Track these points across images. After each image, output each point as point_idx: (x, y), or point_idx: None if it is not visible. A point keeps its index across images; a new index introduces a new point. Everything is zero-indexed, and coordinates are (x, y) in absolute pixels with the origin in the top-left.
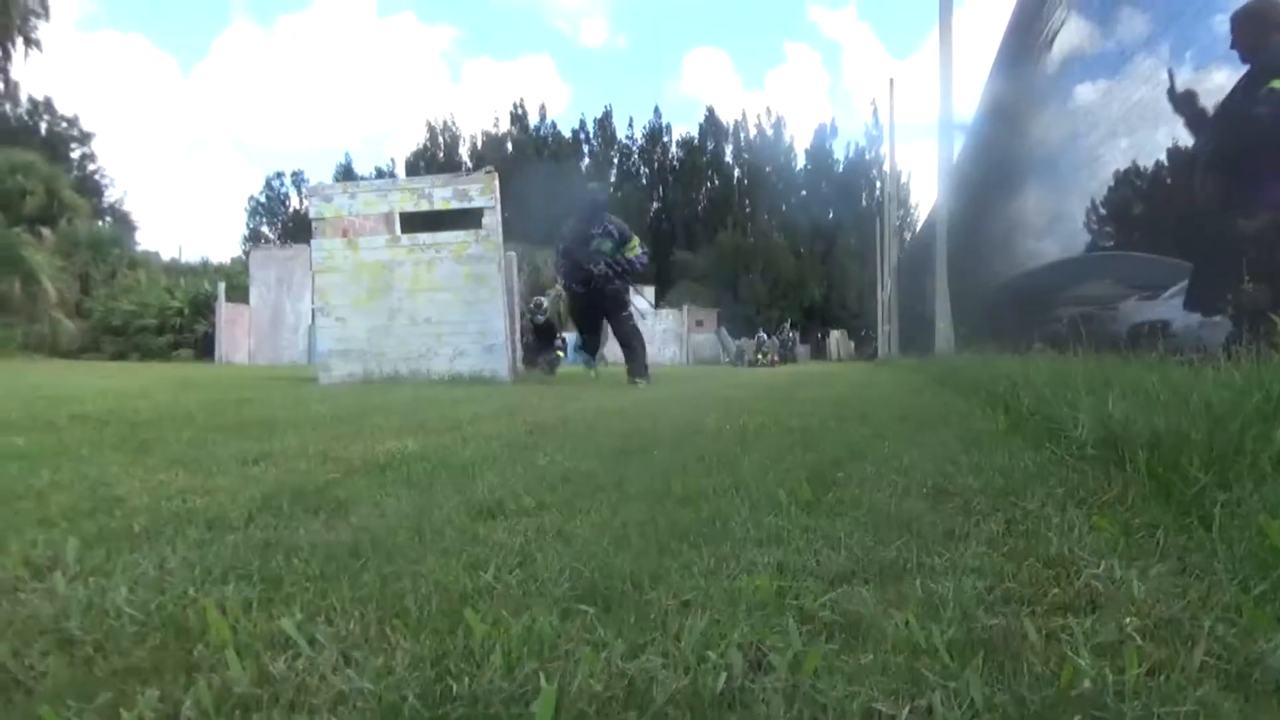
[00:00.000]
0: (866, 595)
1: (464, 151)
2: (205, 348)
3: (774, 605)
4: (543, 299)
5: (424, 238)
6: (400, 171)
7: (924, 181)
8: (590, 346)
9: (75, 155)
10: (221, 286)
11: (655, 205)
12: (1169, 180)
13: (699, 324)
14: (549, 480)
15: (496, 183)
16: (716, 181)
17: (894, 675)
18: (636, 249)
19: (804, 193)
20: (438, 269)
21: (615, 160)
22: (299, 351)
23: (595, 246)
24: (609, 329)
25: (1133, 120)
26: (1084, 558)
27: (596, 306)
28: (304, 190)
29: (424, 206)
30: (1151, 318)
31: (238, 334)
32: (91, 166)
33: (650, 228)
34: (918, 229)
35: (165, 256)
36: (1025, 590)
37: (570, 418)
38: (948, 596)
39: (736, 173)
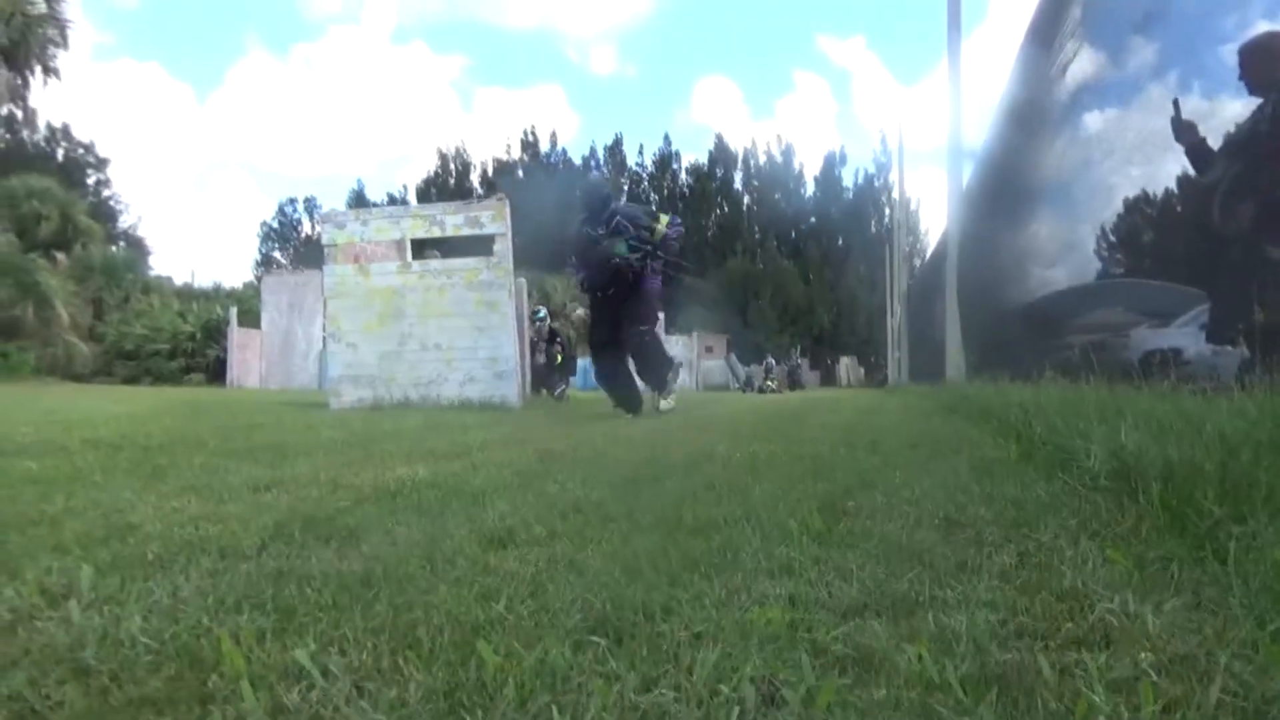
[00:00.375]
0: (879, 629)
1: (475, 178)
2: (217, 372)
3: (786, 638)
4: (540, 308)
5: (435, 264)
6: (411, 198)
7: (934, 208)
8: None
9: (91, 181)
10: (233, 311)
11: None
12: (1179, 208)
13: (708, 350)
14: (560, 509)
15: (508, 209)
16: (726, 208)
17: (907, 711)
18: (663, 226)
19: (813, 219)
20: (448, 295)
21: (625, 186)
22: (310, 376)
23: (607, 250)
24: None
25: (1144, 148)
26: (1098, 591)
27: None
28: (316, 216)
29: (435, 233)
30: (1163, 345)
31: (249, 359)
32: (106, 192)
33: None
34: (927, 255)
35: (178, 281)
36: (1039, 624)
37: (580, 445)
38: (961, 630)
39: (746, 200)
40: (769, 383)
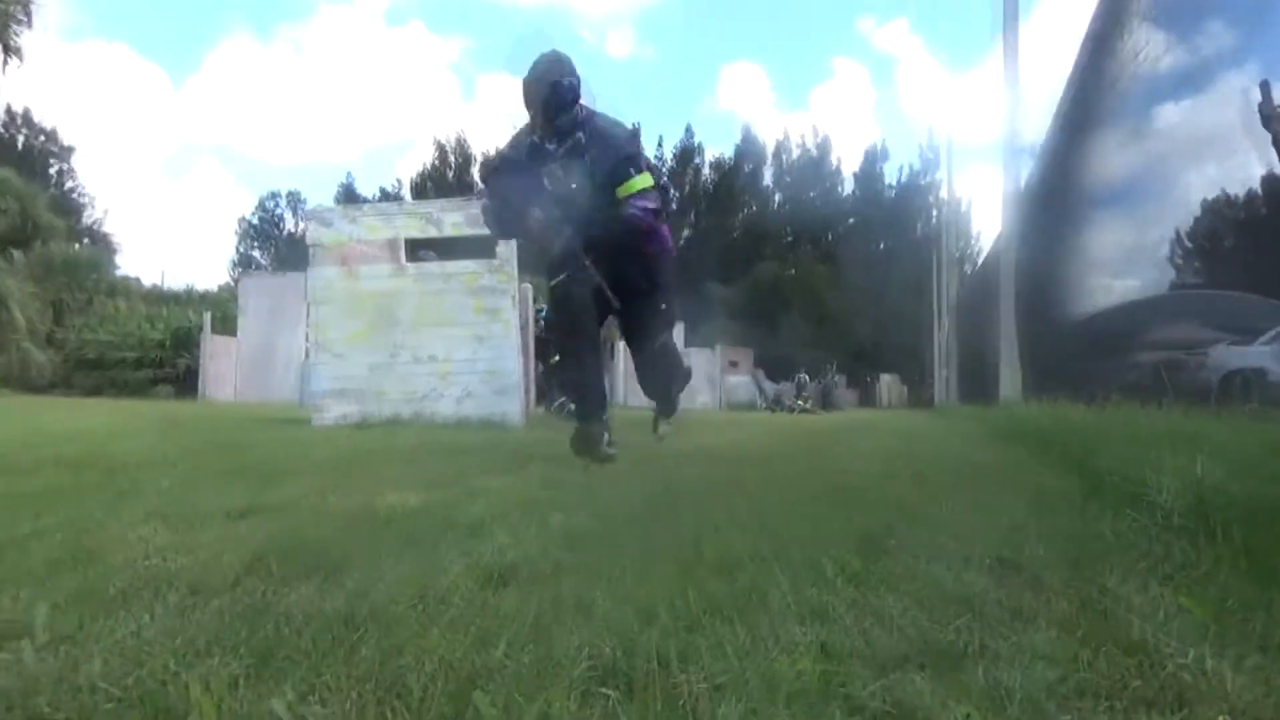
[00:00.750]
0: (922, 683)
1: (476, 172)
2: (188, 384)
3: (818, 692)
4: (544, 307)
5: (431, 267)
6: (406, 194)
7: (986, 209)
8: (585, 383)
9: (53, 171)
10: (207, 317)
11: (686, 233)
12: (1264, 209)
13: (733, 365)
14: (567, 542)
15: None
16: (754, 207)
17: None
18: (639, 184)
19: (851, 221)
20: (446, 301)
21: None
22: (290, 390)
23: (573, 186)
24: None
25: (1223, 142)
26: (1169, 644)
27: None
28: (300, 213)
29: (432, 233)
30: (1246, 366)
31: (224, 369)
32: (70, 184)
33: (681, 257)
34: (979, 261)
35: (147, 282)
36: (1102, 681)
37: (589, 470)
38: (1014, 687)
39: (776, 198)
40: (800, 402)
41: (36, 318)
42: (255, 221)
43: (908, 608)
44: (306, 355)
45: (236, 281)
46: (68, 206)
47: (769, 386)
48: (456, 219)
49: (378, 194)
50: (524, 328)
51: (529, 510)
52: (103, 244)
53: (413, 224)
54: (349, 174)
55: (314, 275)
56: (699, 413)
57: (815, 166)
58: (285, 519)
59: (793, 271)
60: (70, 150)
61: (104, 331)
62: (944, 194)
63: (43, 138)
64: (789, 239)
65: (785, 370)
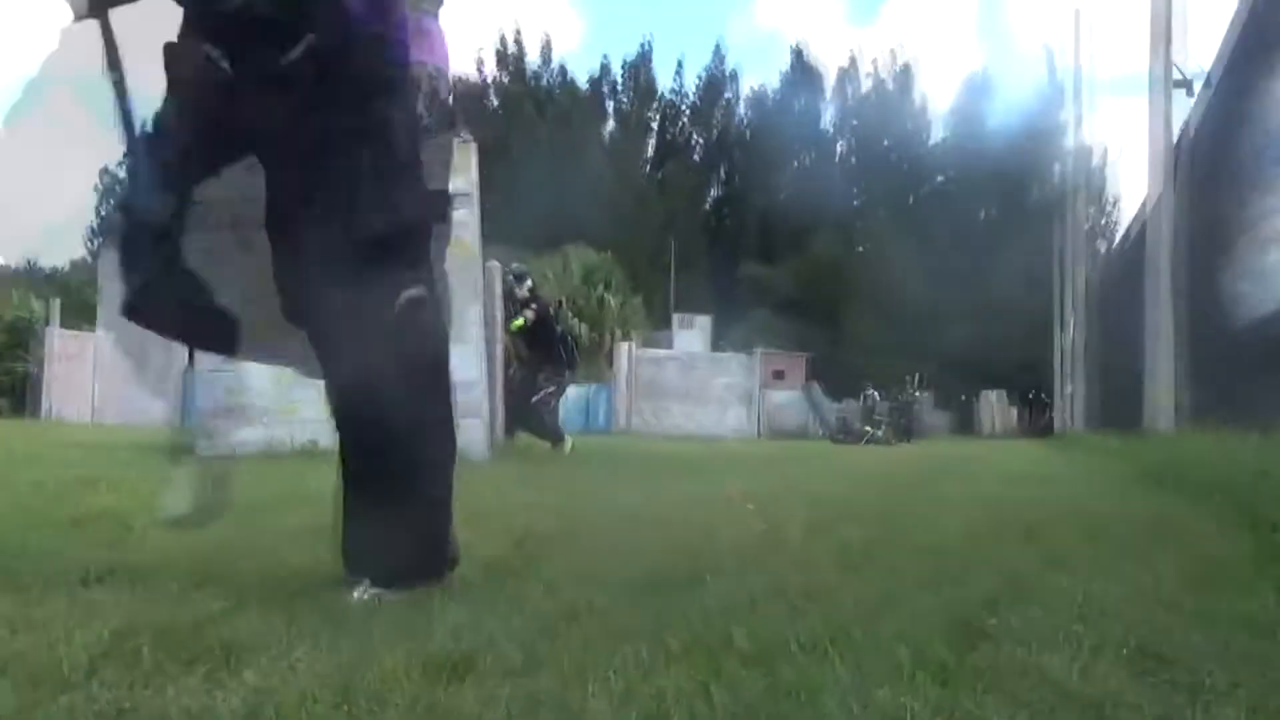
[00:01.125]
0: None
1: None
2: (23, 397)
3: None
4: (518, 265)
5: None
6: None
7: (1132, 164)
8: None
9: None
10: (54, 305)
11: (713, 193)
12: None
13: (778, 376)
14: (546, 621)
15: (474, 156)
16: (808, 159)
17: None
18: None
19: (942, 179)
20: None
21: (655, 124)
22: (169, 406)
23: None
24: None
25: None
26: None
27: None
28: None
29: None
30: None
31: (78, 377)
32: None
33: (706, 225)
34: (1121, 237)
35: None
36: None
37: (582, 522)
38: None
39: (840, 147)
40: (872, 429)
41: None
42: (122, 175)
43: (1015, 714)
44: (190, 360)
45: (96, 256)
46: None
47: (828, 406)
48: None
49: None
50: (490, 322)
51: (497, 577)
52: None
53: None
54: None
55: (197, 247)
56: (730, 442)
57: (893, 104)
58: (160, 585)
59: (861, 249)
60: None
61: None
62: (1071, 143)
63: None
64: (856, 203)
65: (850, 384)
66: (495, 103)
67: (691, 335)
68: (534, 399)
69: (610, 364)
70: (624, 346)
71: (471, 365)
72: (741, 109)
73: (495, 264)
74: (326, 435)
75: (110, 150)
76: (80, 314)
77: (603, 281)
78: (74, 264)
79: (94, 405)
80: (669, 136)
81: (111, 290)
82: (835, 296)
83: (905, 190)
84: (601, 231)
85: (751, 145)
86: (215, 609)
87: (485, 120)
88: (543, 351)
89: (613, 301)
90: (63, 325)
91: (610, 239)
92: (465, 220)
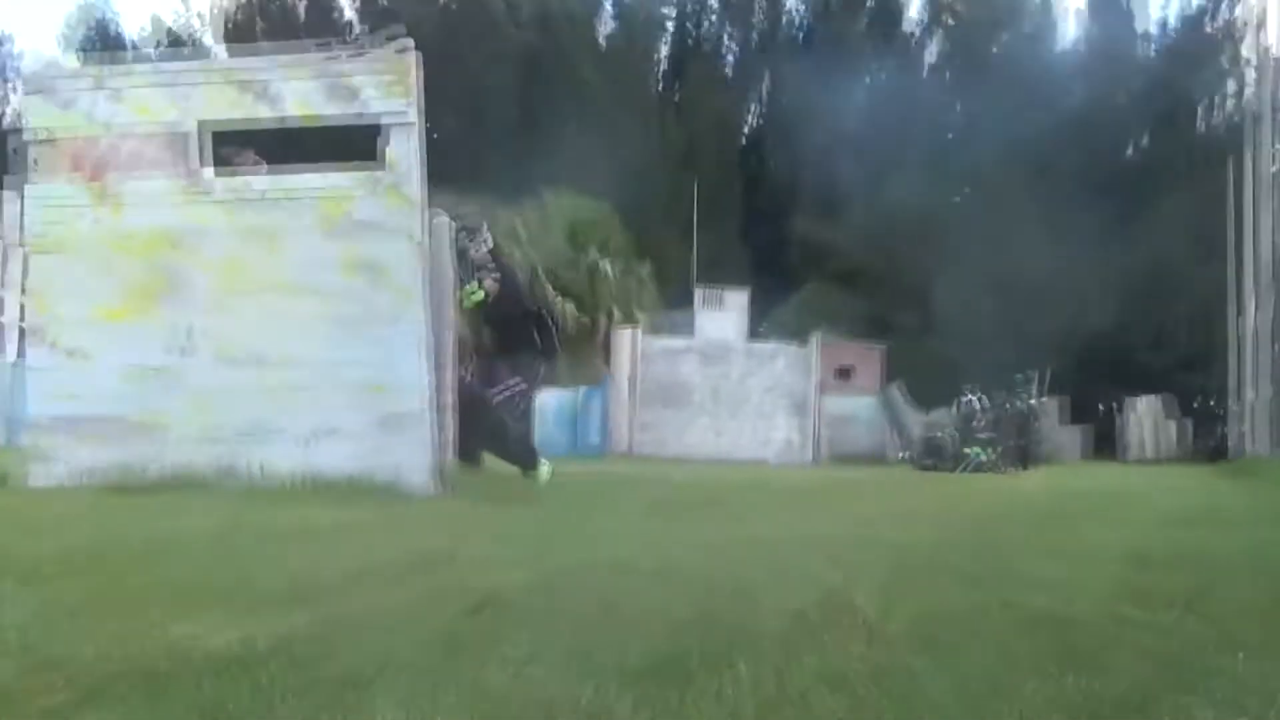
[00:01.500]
0: None
1: (346, 2)
2: None
3: None
4: (478, 219)
5: (258, 184)
6: (211, 41)
7: None
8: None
9: None
10: None
11: (752, 119)
12: None
13: (842, 375)
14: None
15: (415, 68)
16: (882, 72)
17: None
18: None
19: (1074, 92)
20: (285, 249)
21: (670, 26)
22: None
23: None
24: None
25: None
26: None
27: None
28: (9, 75)
29: (262, 115)
30: None
31: None
32: None
33: (743, 164)
34: None
35: None
36: None
37: (559, 578)
38: None
39: (931, 51)
40: (977, 450)
41: None
42: None
43: None
44: (19, 350)
45: None
46: None
47: (911, 417)
48: (308, 89)
49: (152, 37)
50: (438, 300)
51: (446, 656)
52: None
53: (224, 98)
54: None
55: (33, 196)
56: (771, 470)
57: None
58: None
59: (958, 197)
60: None
61: None
62: (1248, 50)
63: None
64: (950, 135)
65: (942, 386)
66: None
67: (721, 317)
68: (495, 395)
69: (606, 358)
70: (625, 333)
71: (416, 356)
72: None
73: (444, 218)
74: (207, 459)
75: None
76: None
77: (596, 242)
78: None
79: None
80: (689, 38)
81: None
82: (921, 263)
83: (1021, 116)
84: (594, 172)
85: (804, 48)
86: (56, 701)
87: (431, 20)
88: (509, 335)
89: (609, 270)
90: None
91: (606, 183)
92: (405, 158)
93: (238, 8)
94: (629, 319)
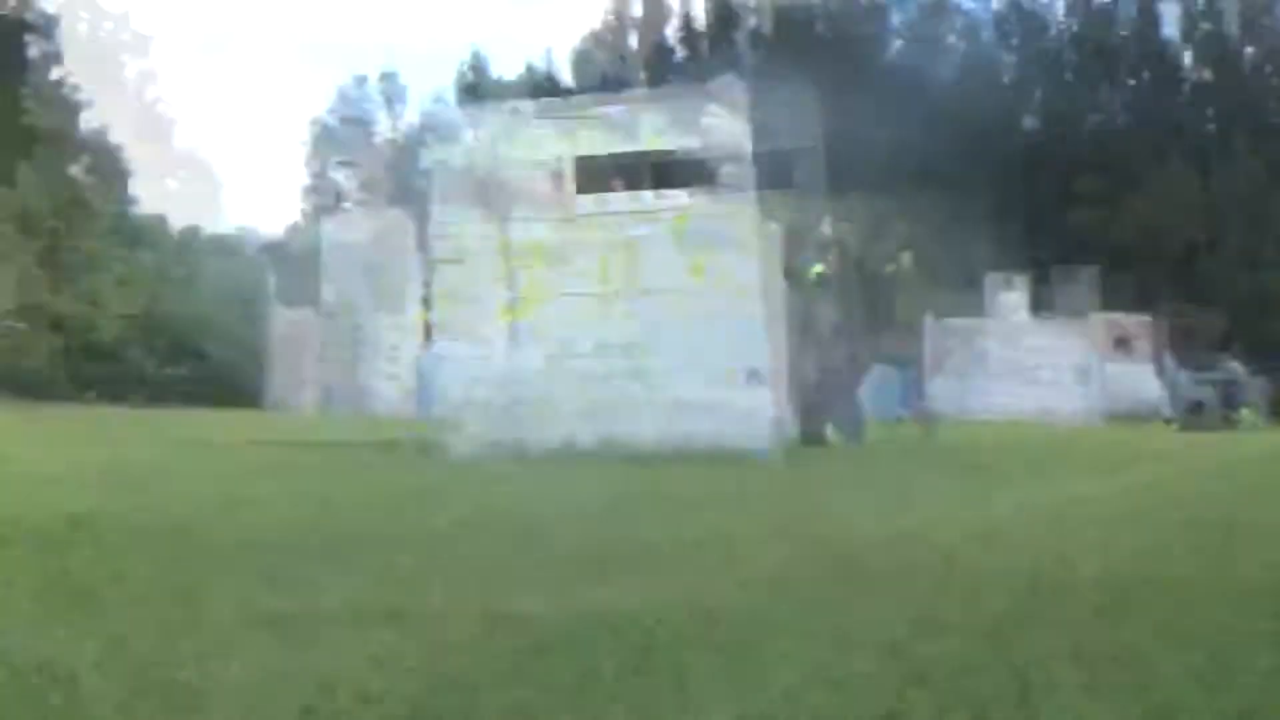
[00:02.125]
0: None
1: (673, 33)
2: (234, 383)
3: None
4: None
5: (617, 203)
6: (567, 78)
7: None
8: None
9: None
10: (270, 281)
11: (1027, 121)
12: None
13: (1120, 345)
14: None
15: (742, 98)
16: (1146, 75)
17: None
18: None
19: None
20: (642, 259)
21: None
22: (398, 395)
23: None
24: None
25: None
26: None
27: None
28: (418, 114)
29: (624, 147)
30: None
31: (300, 360)
32: (57, 72)
33: (1026, 161)
34: None
35: (177, 223)
36: None
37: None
38: None
39: (1187, 54)
40: (1245, 412)
41: (27, 278)
42: (334, 123)
43: None
44: (426, 341)
45: (308, 218)
46: (60, 105)
47: (1184, 379)
48: (659, 123)
49: (523, 73)
50: (765, 295)
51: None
52: (106, 160)
53: (593, 135)
54: (474, 49)
55: (438, 219)
56: (1060, 428)
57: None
58: (441, 627)
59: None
60: (57, 20)
61: (119, 301)
62: None
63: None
64: (1211, 125)
65: (1211, 354)
66: (758, 26)
67: (1013, 298)
68: (848, 378)
69: (913, 338)
70: (927, 316)
71: (758, 346)
72: (1060, 10)
73: (775, 226)
74: (588, 434)
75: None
76: (297, 285)
77: (897, 235)
78: (288, 230)
79: (324, 392)
80: (968, 58)
81: (333, 263)
82: (1190, 243)
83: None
84: (890, 175)
85: (1072, 62)
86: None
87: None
88: (855, 307)
89: (908, 262)
90: (281, 302)
91: (900, 182)
92: (739, 177)
93: (579, 55)
94: (927, 303)
